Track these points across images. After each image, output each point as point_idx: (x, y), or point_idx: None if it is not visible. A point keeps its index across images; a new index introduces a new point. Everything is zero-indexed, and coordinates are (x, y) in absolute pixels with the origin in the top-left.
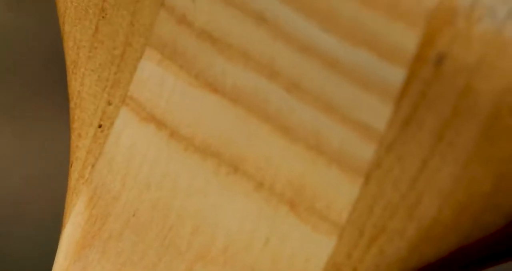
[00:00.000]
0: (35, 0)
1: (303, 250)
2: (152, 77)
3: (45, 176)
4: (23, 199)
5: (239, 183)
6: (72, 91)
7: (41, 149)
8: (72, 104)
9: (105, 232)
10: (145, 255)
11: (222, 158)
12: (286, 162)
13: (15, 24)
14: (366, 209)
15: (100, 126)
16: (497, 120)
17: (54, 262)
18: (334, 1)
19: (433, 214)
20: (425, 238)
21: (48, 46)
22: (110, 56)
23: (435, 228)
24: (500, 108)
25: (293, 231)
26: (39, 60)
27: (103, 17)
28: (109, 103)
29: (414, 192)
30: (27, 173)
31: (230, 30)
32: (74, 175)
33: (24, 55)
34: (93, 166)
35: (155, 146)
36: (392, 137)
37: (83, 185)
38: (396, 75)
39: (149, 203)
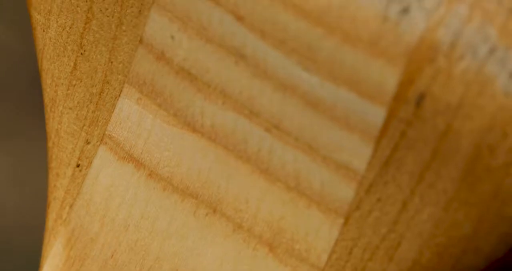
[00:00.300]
0: (26, 19)
1: None
2: (131, 116)
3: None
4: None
5: (218, 224)
6: (50, 130)
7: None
8: (50, 144)
9: None
10: None
11: (201, 198)
12: (266, 203)
13: (8, 43)
14: (346, 251)
15: (78, 165)
16: (478, 162)
17: None
18: (313, 39)
19: (413, 256)
20: None
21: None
22: (88, 94)
23: (415, 270)
24: (480, 149)
25: None
26: (29, 80)
27: (81, 54)
28: (87, 142)
29: (394, 233)
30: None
31: (209, 67)
32: (51, 215)
33: (15, 74)
34: (71, 206)
35: (133, 186)
36: (372, 178)
37: (61, 226)
38: (376, 114)
39: (127, 244)
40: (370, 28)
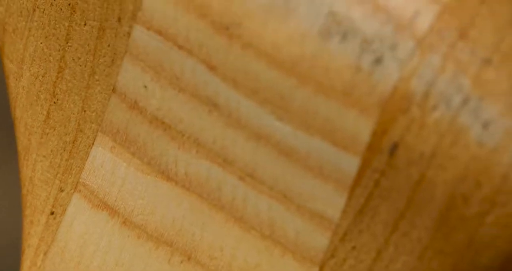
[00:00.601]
0: None
1: None
2: (105, 164)
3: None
4: None
5: None
6: (24, 177)
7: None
8: (24, 191)
9: None
10: None
11: (176, 246)
12: (241, 251)
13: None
14: None
15: (52, 213)
16: (452, 211)
17: None
18: (286, 89)
19: None
20: None
21: None
22: (62, 143)
23: None
24: (454, 199)
25: None
26: None
27: (54, 102)
28: (61, 190)
29: None
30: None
31: (182, 116)
32: (26, 263)
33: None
34: (45, 253)
35: (108, 234)
36: (347, 226)
37: None
38: (350, 164)
39: None
40: (343, 78)
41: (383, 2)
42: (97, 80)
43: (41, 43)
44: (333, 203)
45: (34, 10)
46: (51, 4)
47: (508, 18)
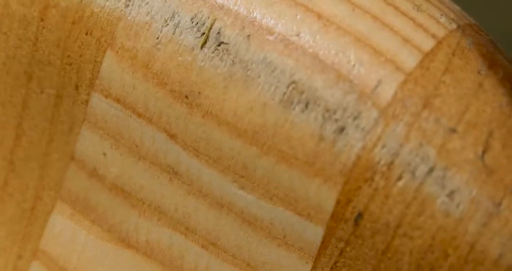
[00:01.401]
0: None
1: None
2: (64, 231)
3: None
4: None
5: None
6: None
7: None
8: None
9: None
10: None
11: None
12: None
13: None
14: None
15: None
16: None
17: None
18: (248, 158)
19: None
20: None
21: None
22: (20, 210)
23: None
24: (421, 269)
25: None
26: None
27: (12, 170)
28: (20, 257)
29: None
30: None
31: (142, 184)
32: None
33: None
34: None
35: None
36: None
37: None
38: (314, 233)
39: None
40: (306, 147)
41: (345, 71)
42: (55, 148)
43: None
44: None
45: None
46: (7, 72)
47: (472, 86)
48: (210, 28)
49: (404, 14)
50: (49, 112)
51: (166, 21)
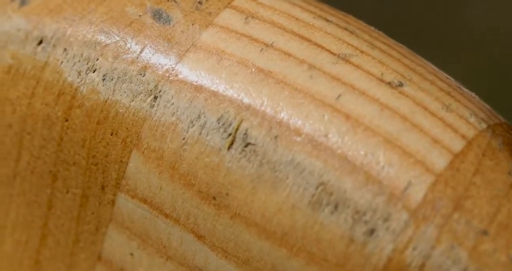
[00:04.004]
0: None
1: None
2: None
3: None
4: None
5: None
6: None
7: None
8: None
9: None
10: None
11: None
12: None
13: None
14: None
15: None
16: None
17: None
18: (278, 259)
19: None
20: None
21: None
22: None
23: None
24: None
25: None
26: None
27: (38, 270)
28: None
29: None
30: None
31: None
32: None
33: None
34: None
35: None
36: None
37: None
38: None
39: None
40: (336, 249)
41: (374, 172)
42: (81, 248)
43: (23, 209)
44: None
45: (15, 177)
46: (32, 172)
47: (503, 187)
48: (237, 129)
49: (433, 114)
50: (75, 212)
51: (192, 121)
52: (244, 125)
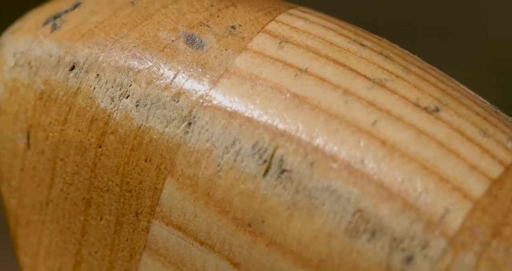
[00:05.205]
0: None
1: None
2: None
3: None
4: None
5: None
6: None
7: None
8: None
9: None
10: None
11: None
12: None
13: None
14: None
15: None
16: None
17: None
18: None
19: None
20: None
21: None
22: None
23: None
24: None
25: None
26: None
27: None
28: None
29: None
30: None
31: None
32: None
33: None
34: None
35: None
36: None
37: None
38: None
39: None
40: None
41: (411, 199)
42: None
43: (56, 236)
44: None
45: (48, 204)
46: (65, 198)
47: None
48: (272, 155)
49: (470, 139)
50: (109, 239)
51: (227, 148)
52: (279, 151)
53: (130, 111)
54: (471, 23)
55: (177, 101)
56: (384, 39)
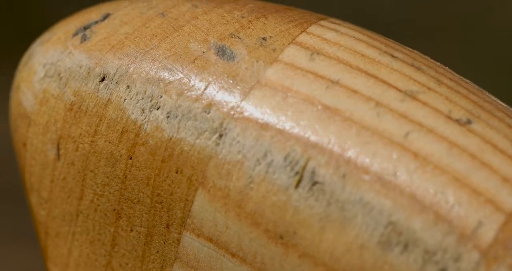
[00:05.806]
0: None
1: None
2: None
3: None
4: None
5: None
6: None
7: None
8: None
9: None
10: None
11: None
12: None
13: None
14: None
15: None
16: None
17: None
18: None
19: None
20: None
21: None
22: None
23: None
24: None
25: None
26: None
27: None
28: None
29: None
30: None
31: None
32: None
33: None
34: None
35: None
36: None
37: None
38: None
39: None
40: None
41: (444, 211)
42: None
43: (86, 248)
44: None
45: (78, 215)
46: (95, 210)
47: None
48: (304, 167)
49: (502, 152)
50: (139, 251)
51: (259, 160)
52: (311, 163)
53: (161, 123)
54: (479, 22)
55: (208, 113)
56: (415, 51)
